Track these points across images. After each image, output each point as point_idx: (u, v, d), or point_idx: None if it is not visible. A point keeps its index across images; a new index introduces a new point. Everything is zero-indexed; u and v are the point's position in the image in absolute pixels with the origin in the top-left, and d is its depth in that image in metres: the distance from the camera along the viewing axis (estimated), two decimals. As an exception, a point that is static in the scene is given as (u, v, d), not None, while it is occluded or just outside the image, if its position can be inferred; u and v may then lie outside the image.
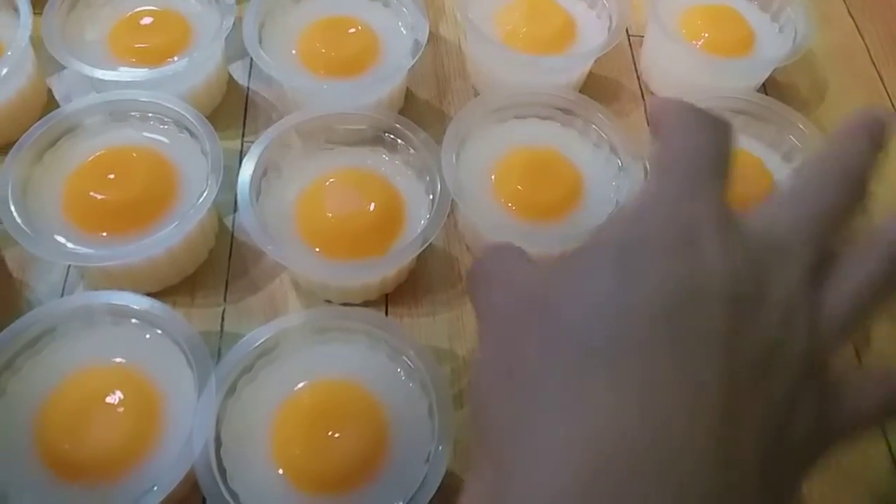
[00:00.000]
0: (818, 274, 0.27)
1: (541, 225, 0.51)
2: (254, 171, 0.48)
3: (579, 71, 0.60)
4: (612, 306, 0.24)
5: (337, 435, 0.40)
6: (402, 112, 0.60)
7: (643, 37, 0.66)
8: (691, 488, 0.21)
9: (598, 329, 0.23)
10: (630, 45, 0.67)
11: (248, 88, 0.61)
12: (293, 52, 0.57)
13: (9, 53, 0.52)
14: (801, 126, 0.54)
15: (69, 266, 0.51)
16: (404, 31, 0.58)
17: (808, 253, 0.27)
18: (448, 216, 0.55)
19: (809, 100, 0.65)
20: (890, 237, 0.28)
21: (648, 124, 0.61)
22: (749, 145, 0.55)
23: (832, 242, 0.28)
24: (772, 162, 0.55)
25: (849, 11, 0.72)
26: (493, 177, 0.52)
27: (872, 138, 0.29)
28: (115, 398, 0.41)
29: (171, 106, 0.50)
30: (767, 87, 0.65)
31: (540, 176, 0.52)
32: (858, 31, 0.70)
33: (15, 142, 0.48)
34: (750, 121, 0.56)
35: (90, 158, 0.49)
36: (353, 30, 0.57)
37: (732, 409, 0.23)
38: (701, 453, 0.22)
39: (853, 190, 0.28)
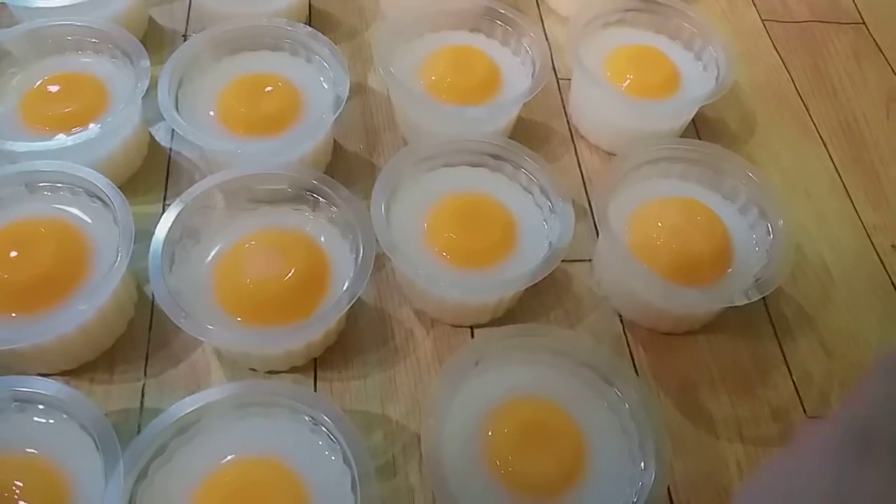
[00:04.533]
0: None
1: (475, 272, 0.50)
2: (167, 237, 0.47)
3: (506, 118, 0.59)
4: None
5: (257, 517, 0.38)
6: (330, 166, 0.59)
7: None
8: None
9: None
10: (559, 88, 0.67)
11: (170, 150, 0.59)
12: (211, 113, 0.55)
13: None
14: (736, 165, 0.55)
15: (-23, 348, 0.48)
16: (326, 86, 0.58)
17: None
18: (379, 270, 0.54)
19: (739, 134, 0.65)
20: None
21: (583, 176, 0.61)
22: (691, 190, 0.55)
23: None
24: (714, 204, 0.54)
25: (774, 46, 0.73)
26: (425, 226, 0.52)
27: None
28: (17, 492, 0.39)
29: (80, 175, 0.49)
30: (697, 124, 0.65)
31: (472, 223, 0.51)
32: (784, 64, 0.71)
33: (-83, 218, 0.46)
34: (688, 166, 0.55)
35: (-6, 235, 0.47)
36: (271, 87, 0.56)
37: None
38: None
39: None
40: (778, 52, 0.72)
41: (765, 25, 0.75)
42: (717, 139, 0.64)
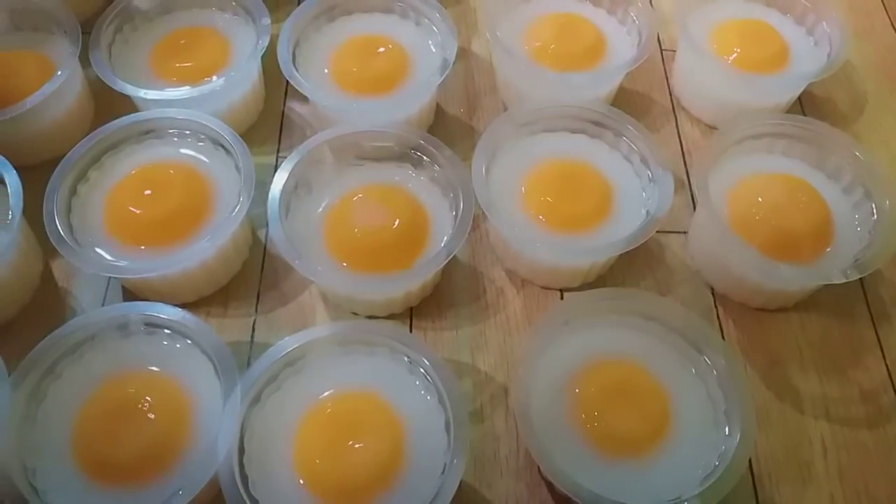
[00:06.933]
0: None
1: (570, 236, 0.51)
2: (284, 187, 0.50)
3: (608, 87, 0.60)
4: None
5: (357, 445, 0.41)
6: (432, 128, 0.62)
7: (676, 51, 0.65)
8: None
9: None
10: (662, 59, 0.66)
11: (284, 105, 0.63)
12: (325, 70, 0.58)
13: (59, 73, 0.55)
14: (843, 144, 0.53)
15: (110, 276, 0.53)
16: (434, 50, 0.59)
17: None
18: (474, 230, 0.56)
19: (848, 114, 0.64)
20: None
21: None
22: (794, 167, 0.55)
23: None
24: (817, 182, 0.54)
25: (892, 23, 0.70)
26: (522, 189, 0.53)
27: None
28: (147, 405, 0.43)
29: (207, 124, 0.52)
30: (803, 101, 0.64)
31: (570, 188, 0.53)
32: (901, 43, 0.69)
33: (63, 157, 0.51)
34: (792, 143, 0.55)
35: (129, 175, 0.51)
36: (382, 49, 0.58)
37: None
38: None
39: None
40: (896, 30, 0.70)
41: (883, 2, 0.72)
42: (823, 118, 0.62)
